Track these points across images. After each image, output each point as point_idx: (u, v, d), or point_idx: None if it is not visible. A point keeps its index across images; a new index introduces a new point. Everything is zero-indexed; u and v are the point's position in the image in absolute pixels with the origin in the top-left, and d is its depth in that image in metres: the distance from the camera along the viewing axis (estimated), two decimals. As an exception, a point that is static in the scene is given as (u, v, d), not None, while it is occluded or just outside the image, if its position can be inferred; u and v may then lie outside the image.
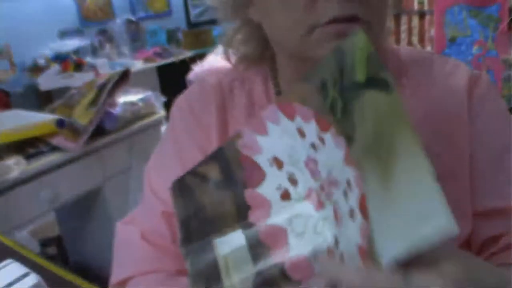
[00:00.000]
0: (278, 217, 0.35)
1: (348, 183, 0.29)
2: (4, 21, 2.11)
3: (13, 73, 2.04)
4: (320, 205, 0.33)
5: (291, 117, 0.35)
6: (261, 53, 0.48)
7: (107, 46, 2.55)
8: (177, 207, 0.40)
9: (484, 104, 0.44)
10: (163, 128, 1.42)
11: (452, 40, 1.54)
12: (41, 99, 1.81)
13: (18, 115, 1.44)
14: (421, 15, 2.00)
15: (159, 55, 2.59)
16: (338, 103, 0.30)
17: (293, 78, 0.46)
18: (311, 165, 0.34)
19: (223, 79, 0.51)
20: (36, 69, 2.08)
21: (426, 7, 1.98)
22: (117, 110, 1.30)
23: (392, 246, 0.25)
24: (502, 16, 1.43)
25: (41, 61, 2.15)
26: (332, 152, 0.31)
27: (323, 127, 0.32)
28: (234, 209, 0.37)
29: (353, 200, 0.29)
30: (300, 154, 0.35)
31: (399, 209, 0.25)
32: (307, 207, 0.34)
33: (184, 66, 2.07)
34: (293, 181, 0.36)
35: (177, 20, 3.12)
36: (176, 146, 0.51)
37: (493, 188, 0.43)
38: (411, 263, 0.25)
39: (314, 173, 0.34)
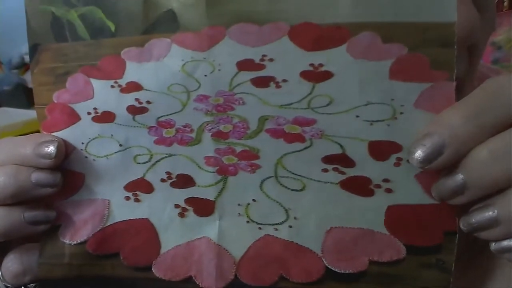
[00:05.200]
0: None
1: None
2: (-11, 19, 2.08)
3: (1, 71, 2.02)
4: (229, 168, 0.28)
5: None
6: None
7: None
8: None
9: None
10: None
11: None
12: (29, 97, 1.79)
13: (7, 113, 1.43)
14: None
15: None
16: None
17: None
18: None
19: None
20: (24, 66, 2.05)
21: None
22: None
23: None
24: (489, -2, 1.43)
25: (28, 58, 2.11)
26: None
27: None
28: None
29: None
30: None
31: None
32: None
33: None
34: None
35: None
36: None
37: None
38: None
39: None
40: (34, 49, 0.31)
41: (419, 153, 0.23)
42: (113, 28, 0.29)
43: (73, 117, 0.30)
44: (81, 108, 0.30)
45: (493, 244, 0.23)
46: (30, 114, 1.26)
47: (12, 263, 0.30)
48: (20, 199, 0.29)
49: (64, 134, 0.30)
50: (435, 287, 0.25)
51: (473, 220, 0.23)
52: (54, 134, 0.30)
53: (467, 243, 0.26)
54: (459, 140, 0.22)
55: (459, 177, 0.22)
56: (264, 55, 0.27)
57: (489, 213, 0.22)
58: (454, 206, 0.24)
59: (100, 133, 0.30)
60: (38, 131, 0.31)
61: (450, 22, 0.24)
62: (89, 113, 0.30)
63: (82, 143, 0.30)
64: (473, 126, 0.22)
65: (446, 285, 0.25)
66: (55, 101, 0.30)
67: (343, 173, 0.26)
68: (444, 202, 0.24)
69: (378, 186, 0.26)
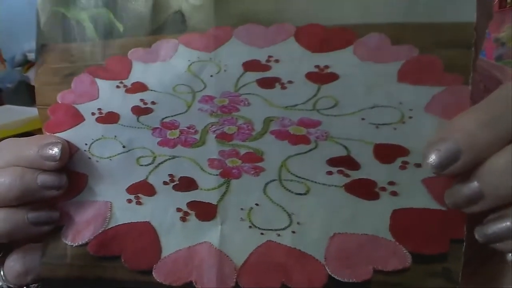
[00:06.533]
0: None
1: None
2: (-8, 16, 2.08)
3: (3, 68, 2.03)
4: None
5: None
6: None
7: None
8: None
9: None
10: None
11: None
12: (32, 94, 1.78)
13: (10, 111, 1.43)
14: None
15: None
16: None
17: None
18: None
19: None
20: (27, 64, 2.05)
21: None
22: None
23: None
24: (493, -5, 1.42)
25: (31, 55, 2.12)
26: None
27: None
28: None
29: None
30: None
31: None
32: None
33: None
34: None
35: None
36: None
37: None
38: None
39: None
40: (41, 49, 0.31)
41: (433, 158, 0.22)
42: (121, 29, 0.29)
43: (77, 118, 0.30)
44: (86, 108, 0.30)
45: (510, 255, 0.23)
46: (33, 111, 1.27)
47: (15, 263, 0.30)
48: (25, 200, 0.29)
49: (67, 134, 0.30)
50: None
51: (489, 231, 0.22)
52: (58, 134, 0.30)
53: (475, 249, 0.25)
54: (476, 147, 0.21)
55: (475, 185, 0.21)
56: (270, 56, 0.26)
57: (506, 224, 0.21)
58: (461, 213, 0.23)
59: (103, 134, 0.30)
60: (41, 129, 0.31)
61: (468, 22, 0.22)
62: (93, 114, 0.30)
63: (86, 144, 0.30)
64: (490, 133, 0.21)
65: None
66: (59, 102, 0.30)
67: (347, 175, 0.25)
68: (451, 208, 0.23)
69: (384, 189, 0.25)
